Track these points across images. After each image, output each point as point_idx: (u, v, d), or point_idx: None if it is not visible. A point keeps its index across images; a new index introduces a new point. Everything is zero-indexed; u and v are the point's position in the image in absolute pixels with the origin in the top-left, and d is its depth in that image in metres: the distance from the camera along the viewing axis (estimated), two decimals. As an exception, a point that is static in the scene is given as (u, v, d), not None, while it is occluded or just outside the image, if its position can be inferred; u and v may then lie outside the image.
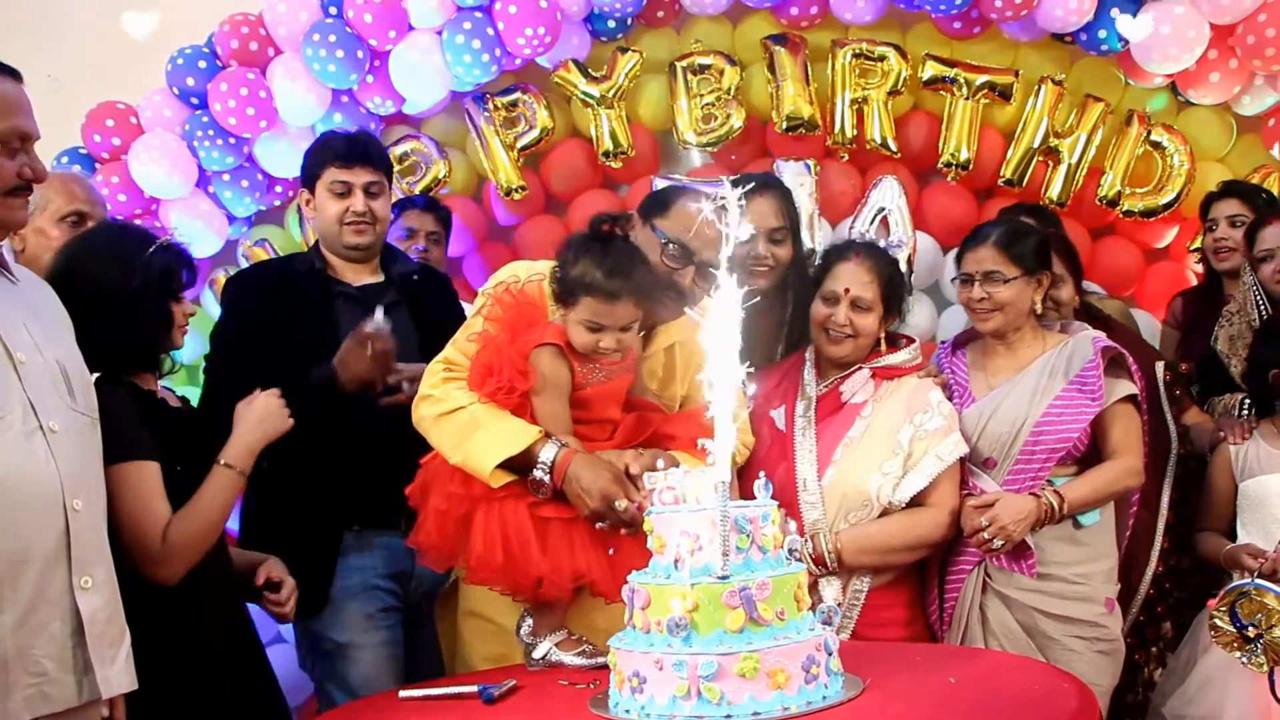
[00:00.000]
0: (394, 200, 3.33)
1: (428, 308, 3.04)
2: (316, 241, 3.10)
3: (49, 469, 1.92)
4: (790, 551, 1.88)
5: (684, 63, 4.03)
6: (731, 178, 2.06)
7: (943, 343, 3.17)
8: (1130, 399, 2.85)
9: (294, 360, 2.77)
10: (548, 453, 2.31)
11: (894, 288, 2.88)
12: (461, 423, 2.36)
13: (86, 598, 1.94)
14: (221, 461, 2.35)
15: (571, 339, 2.36)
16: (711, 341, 1.82)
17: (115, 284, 2.26)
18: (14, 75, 2.02)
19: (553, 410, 2.38)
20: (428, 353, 2.79)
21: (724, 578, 1.76)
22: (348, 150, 2.99)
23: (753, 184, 3.03)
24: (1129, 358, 2.88)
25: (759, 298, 2.84)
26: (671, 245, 2.45)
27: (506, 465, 2.31)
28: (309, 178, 3.04)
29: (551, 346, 2.37)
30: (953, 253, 4.00)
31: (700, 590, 1.75)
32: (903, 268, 3.77)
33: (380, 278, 3.06)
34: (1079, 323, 3.02)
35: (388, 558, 2.91)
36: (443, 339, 2.63)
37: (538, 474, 2.30)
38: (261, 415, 2.44)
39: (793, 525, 1.94)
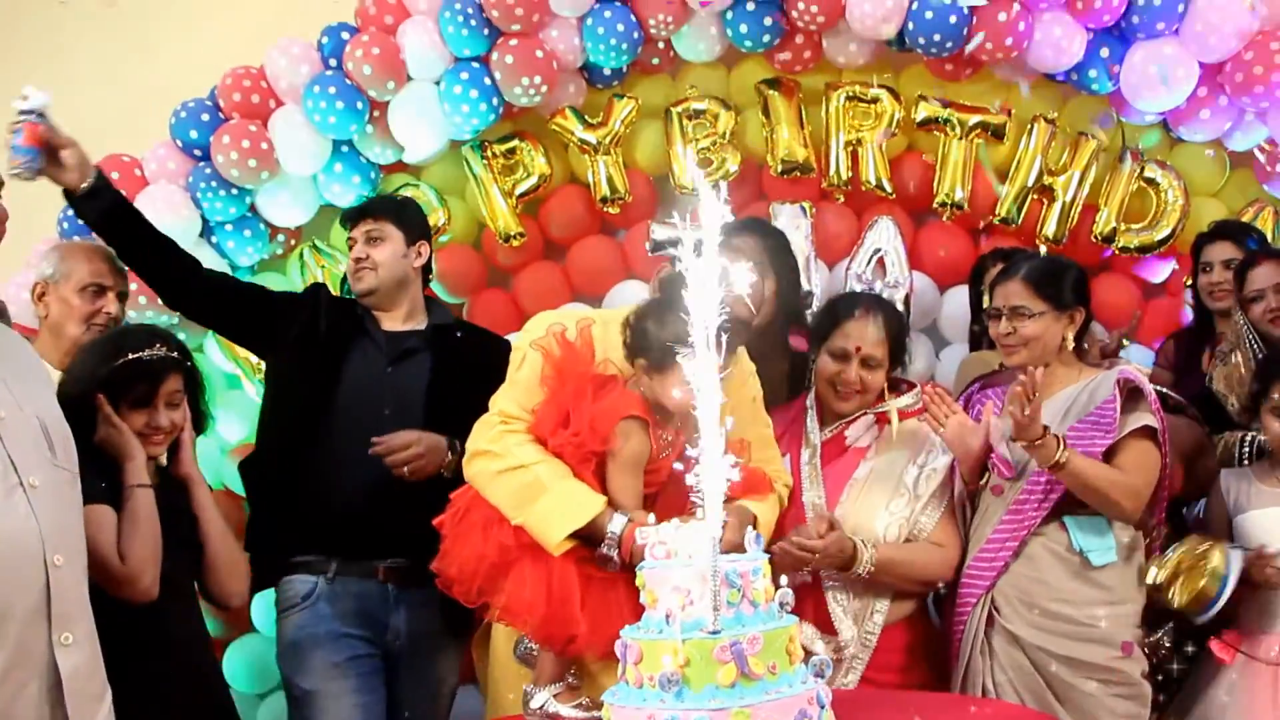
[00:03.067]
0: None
1: (458, 363, 3.08)
2: None
3: (29, 525, 1.91)
4: (781, 605, 1.90)
5: (679, 108, 4.07)
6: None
7: (973, 382, 3.19)
8: (1147, 432, 2.81)
9: (294, 380, 2.99)
10: (615, 525, 2.33)
11: (900, 341, 2.94)
12: (525, 483, 2.37)
13: (66, 654, 1.93)
14: (135, 484, 2.49)
15: (669, 401, 2.36)
16: (697, 395, 1.85)
17: (67, 390, 2.47)
18: None
19: (626, 483, 2.40)
20: (440, 402, 2.89)
21: (715, 633, 1.78)
22: (349, 210, 3.29)
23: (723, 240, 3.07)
24: (1148, 391, 2.86)
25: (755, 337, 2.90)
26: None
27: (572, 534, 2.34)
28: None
29: (640, 421, 2.40)
30: (949, 292, 4.09)
31: (692, 645, 1.77)
32: (900, 308, 3.84)
33: (419, 326, 3.16)
34: (1123, 359, 3.03)
35: (359, 607, 2.93)
36: (460, 398, 2.70)
37: (605, 549, 2.33)
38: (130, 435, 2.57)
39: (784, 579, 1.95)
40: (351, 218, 3.23)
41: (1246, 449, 3.21)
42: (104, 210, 3.01)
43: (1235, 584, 2.80)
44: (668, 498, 2.42)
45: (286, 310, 3.19)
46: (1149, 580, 2.84)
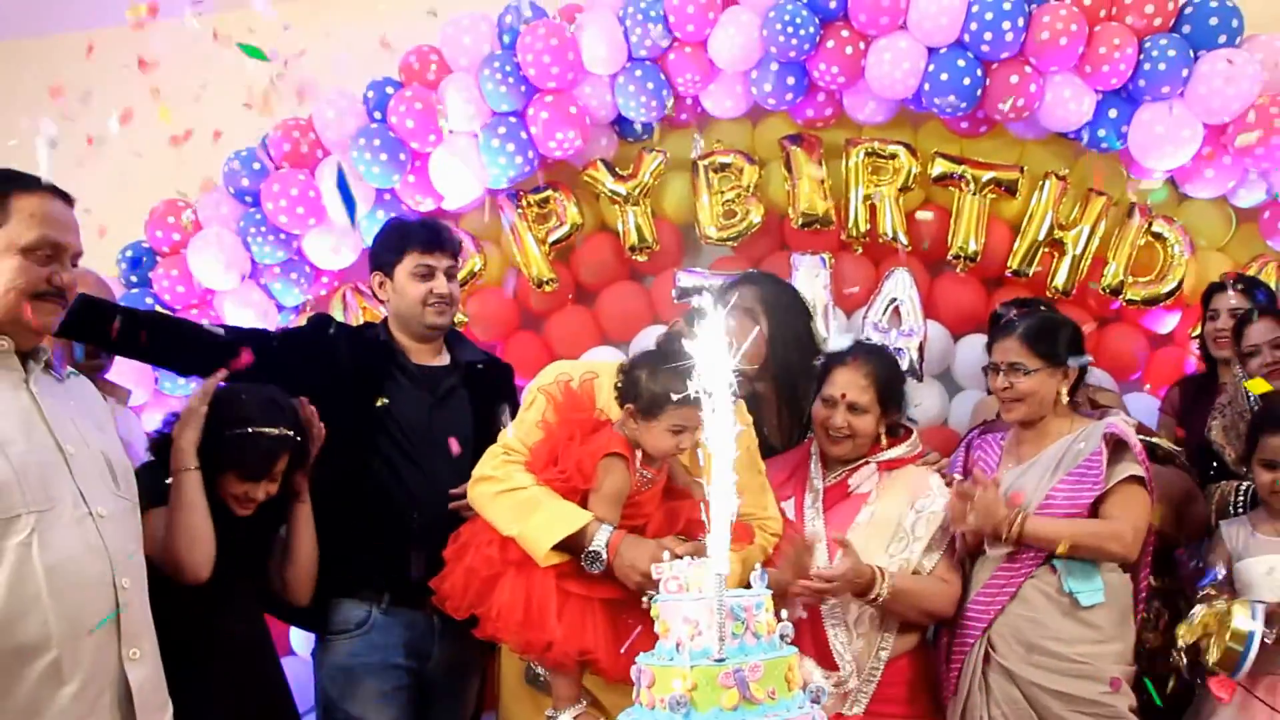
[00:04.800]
0: None
1: (486, 396, 3.18)
2: (384, 320, 3.23)
3: (99, 551, 2.09)
4: (782, 637, 2.05)
5: (706, 161, 4.23)
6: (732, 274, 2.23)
7: (974, 428, 3.34)
8: (1136, 480, 2.94)
9: (333, 418, 2.90)
10: (602, 534, 2.51)
11: (890, 389, 3.06)
12: (521, 500, 2.58)
13: (135, 668, 2.11)
14: (188, 468, 2.57)
15: (650, 445, 2.58)
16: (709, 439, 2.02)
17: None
18: (62, 196, 2.17)
19: (605, 512, 2.58)
20: (481, 439, 2.95)
21: (720, 660, 1.94)
22: (430, 237, 3.14)
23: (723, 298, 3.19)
24: (1133, 442, 2.99)
25: (755, 382, 3.05)
26: None
27: (558, 546, 2.51)
28: (386, 262, 3.13)
29: (622, 459, 2.59)
30: (963, 340, 4.23)
31: (699, 671, 1.92)
32: (914, 356, 4.00)
33: (445, 360, 3.20)
34: (1115, 410, 3.16)
35: (410, 637, 3.01)
36: (496, 427, 2.85)
37: (594, 548, 2.50)
38: (185, 416, 2.64)
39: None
40: (431, 245, 3.12)
41: (1241, 498, 3.33)
42: (99, 329, 2.80)
43: (1261, 639, 2.87)
44: (655, 531, 2.60)
45: (298, 348, 3.12)
46: (1179, 644, 2.95)
